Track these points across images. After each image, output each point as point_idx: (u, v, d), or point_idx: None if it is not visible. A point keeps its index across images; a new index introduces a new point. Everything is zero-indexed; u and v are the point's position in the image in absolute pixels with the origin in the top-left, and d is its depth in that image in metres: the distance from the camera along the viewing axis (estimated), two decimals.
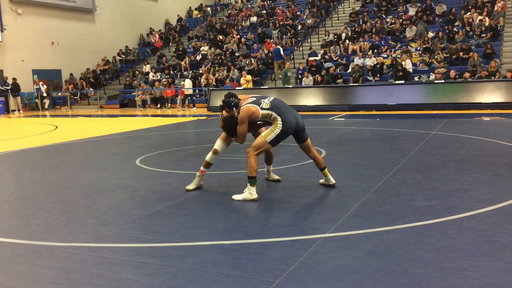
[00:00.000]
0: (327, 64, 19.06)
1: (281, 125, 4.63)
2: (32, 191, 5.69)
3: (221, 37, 25.02)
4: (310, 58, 19.61)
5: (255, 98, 4.81)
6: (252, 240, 3.64)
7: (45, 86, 22.40)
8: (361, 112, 14.70)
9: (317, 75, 18.06)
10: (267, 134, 4.68)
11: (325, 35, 22.15)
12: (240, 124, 4.74)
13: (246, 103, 4.75)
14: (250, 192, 4.63)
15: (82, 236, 3.89)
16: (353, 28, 21.87)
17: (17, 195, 5.57)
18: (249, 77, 18.88)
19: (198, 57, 23.56)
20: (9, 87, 21.20)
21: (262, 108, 4.67)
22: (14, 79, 21.28)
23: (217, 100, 17.72)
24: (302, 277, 2.95)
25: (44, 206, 4.94)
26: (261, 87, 18.85)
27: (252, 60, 21.04)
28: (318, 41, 22.58)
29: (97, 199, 5.17)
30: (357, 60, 18.59)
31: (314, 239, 3.61)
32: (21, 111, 21.14)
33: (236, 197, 4.70)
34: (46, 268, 3.28)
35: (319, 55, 20.27)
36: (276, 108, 4.70)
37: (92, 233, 3.96)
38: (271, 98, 4.81)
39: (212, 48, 23.89)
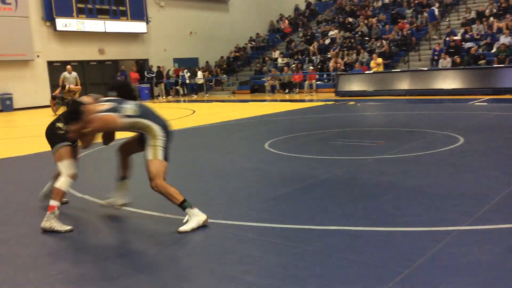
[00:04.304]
0: (467, 44, 17.53)
1: (161, 135, 3.83)
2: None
3: (350, 19, 24.43)
4: (456, 38, 18.11)
5: (110, 105, 3.83)
6: (379, 228, 3.56)
7: (189, 74, 24.06)
8: (506, 96, 13.30)
9: (456, 56, 16.73)
10: (154, 153, 3.80)
11: (466, 13, 20.33)
12: (91, 133, 3.87)
13: (101, 111, 3.77)
14: (197, 219, 3.75)
15: (216, 214, 4.16)
16: (499, 4, 19.72)
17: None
18: (380, 60, 18.21)
19: (327, 41, 23.32)
20: (154, 75, 23.27)
21: (126, 116, 3.79)
22: (159, 67, 23.27)
23: (345, 84, 17.41)
24: (432, 270, 2.82)
25: (183, 185, 5.35)
26: (393, 70, 18.03)
27: (384, 42, 20.20)
28: (458, 19, 20.84)
29: (228, 180, 5.47)
30: (503, 39, 16.79)
31: (447, 231, 3.40)
32: (164, 97, 23.08)
33: (183, 228, 3.72)
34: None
35: (459, 34, 18.71)
36: (145, 115, 3.86)
37: (225, 211, 4.21)
38: (136, 103, 3.91)
39: (342, 32, 23.45)
